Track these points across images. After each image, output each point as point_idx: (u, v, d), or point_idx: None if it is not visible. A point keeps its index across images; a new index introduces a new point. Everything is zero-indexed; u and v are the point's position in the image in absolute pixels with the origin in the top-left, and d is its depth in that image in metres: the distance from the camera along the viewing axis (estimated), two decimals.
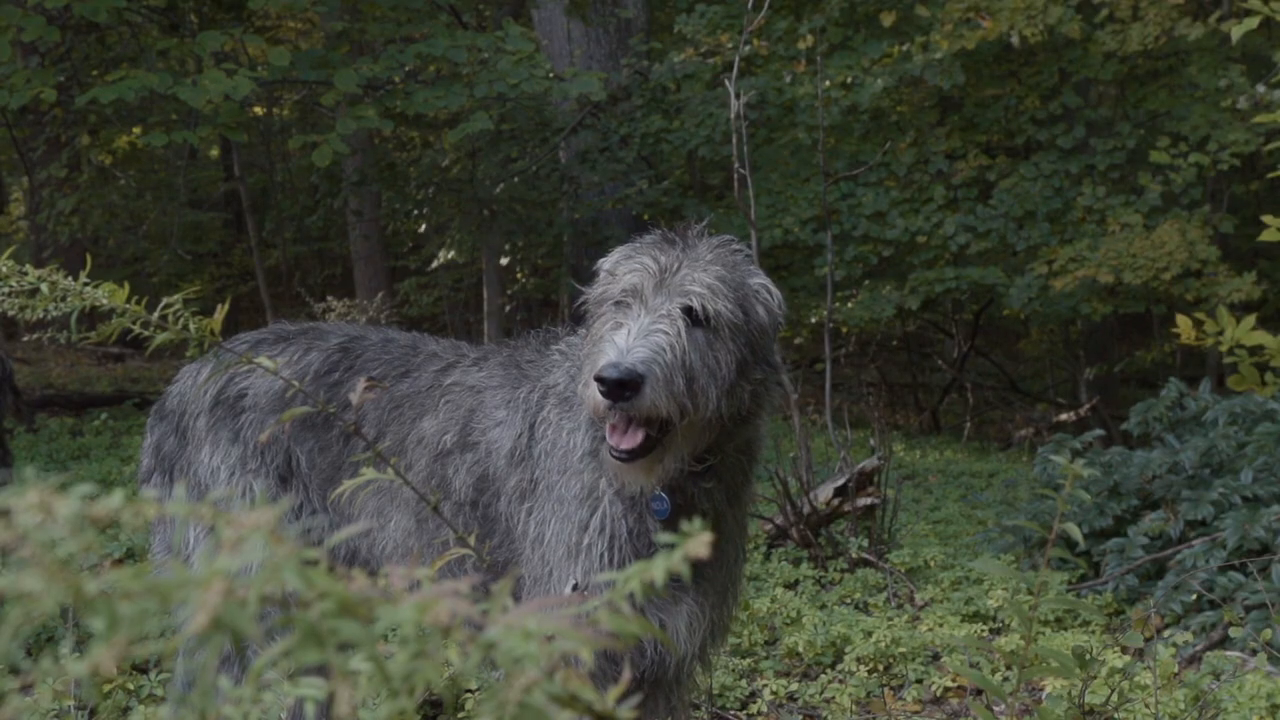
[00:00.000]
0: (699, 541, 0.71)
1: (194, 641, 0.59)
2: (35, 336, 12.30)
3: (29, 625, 0.57)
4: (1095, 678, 4.01)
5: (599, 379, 2.32)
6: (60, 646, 3.95)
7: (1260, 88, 9.84)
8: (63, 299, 2.01)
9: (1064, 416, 12.43)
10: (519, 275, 15.77)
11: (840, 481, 5.69)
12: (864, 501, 5.69)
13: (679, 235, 2.56)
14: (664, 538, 0.87)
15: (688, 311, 2.43)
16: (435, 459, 2.82)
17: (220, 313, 2.06)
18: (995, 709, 4.02)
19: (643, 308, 2.43)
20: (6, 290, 2.06)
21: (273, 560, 0.59)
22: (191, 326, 2.01)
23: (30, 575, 0.55)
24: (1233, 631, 4.50)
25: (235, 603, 0.57)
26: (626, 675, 0.88)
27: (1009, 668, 4.24)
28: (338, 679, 0.62)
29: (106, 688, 3.84)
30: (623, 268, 2.51)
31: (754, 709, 4.08)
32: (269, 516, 0.62)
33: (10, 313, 2.07)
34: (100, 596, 0.56)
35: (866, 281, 12.83)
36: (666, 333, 2.38)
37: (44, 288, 2.01)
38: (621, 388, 2.31)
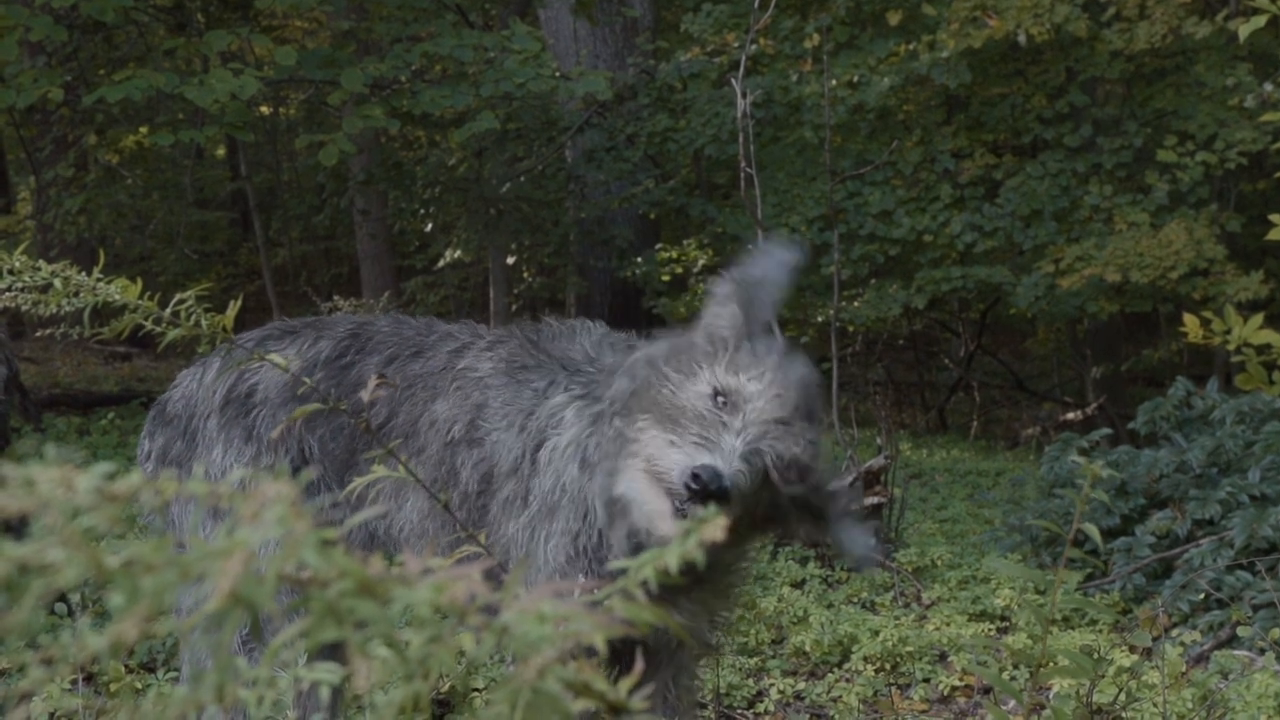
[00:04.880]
0: (714, 526, 0.71)
1: (211, 619, 0.59)
2: (43, 334, 12.33)
3: (49, 596, 0.58)
4: (1103, 677, 4.01)
5: (695, 475, 2.24)
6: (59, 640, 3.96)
7: (1268, 86, 9.83)
8: (75, 294, 2.02)
9: (1071, 415, 12.42)
10: (525, 274, 15.78)
11: (847, 480, 5.70)
12: (871, 500, 5.69)
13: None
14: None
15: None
16: (446, 446, 2.81)
17: (233, 309, 2.06)
18: (1005, 707, 4.02)
19: (733, 426, 2.35)
20: (20, 285, 2.06)
21: (292, 537, 0.59)
22: (203, 323, 2.02)
23: (52, 546, 0.56)
24: (1241, 630, 4.49)
25: (254, 578, 0.57)
26: (639, 666, 0.89)
27: (1016, 667, 4.24)
28: (355, 656, 0.62)
29: (114, 687, 3.85)
30: (760, 383, 2.40)
31: (761, 708, 4.08)
32: (289, 490, 0.63)
33: (24, 308, 2.08)
34: (121, 569, 0.56)
35: (873, 280, 12.83)
36: (750, 480, 2.33)
37: (57, 283, 2.02)
38: (710, 499, 2.24)
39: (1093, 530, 2.33)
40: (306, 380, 2.66)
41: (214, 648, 0.60)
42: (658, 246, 13.78)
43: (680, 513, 2.28)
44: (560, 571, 2.61)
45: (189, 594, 2.60)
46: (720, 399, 2.38)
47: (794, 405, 2.41)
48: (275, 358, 2.48)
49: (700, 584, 2.58)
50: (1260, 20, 5.77)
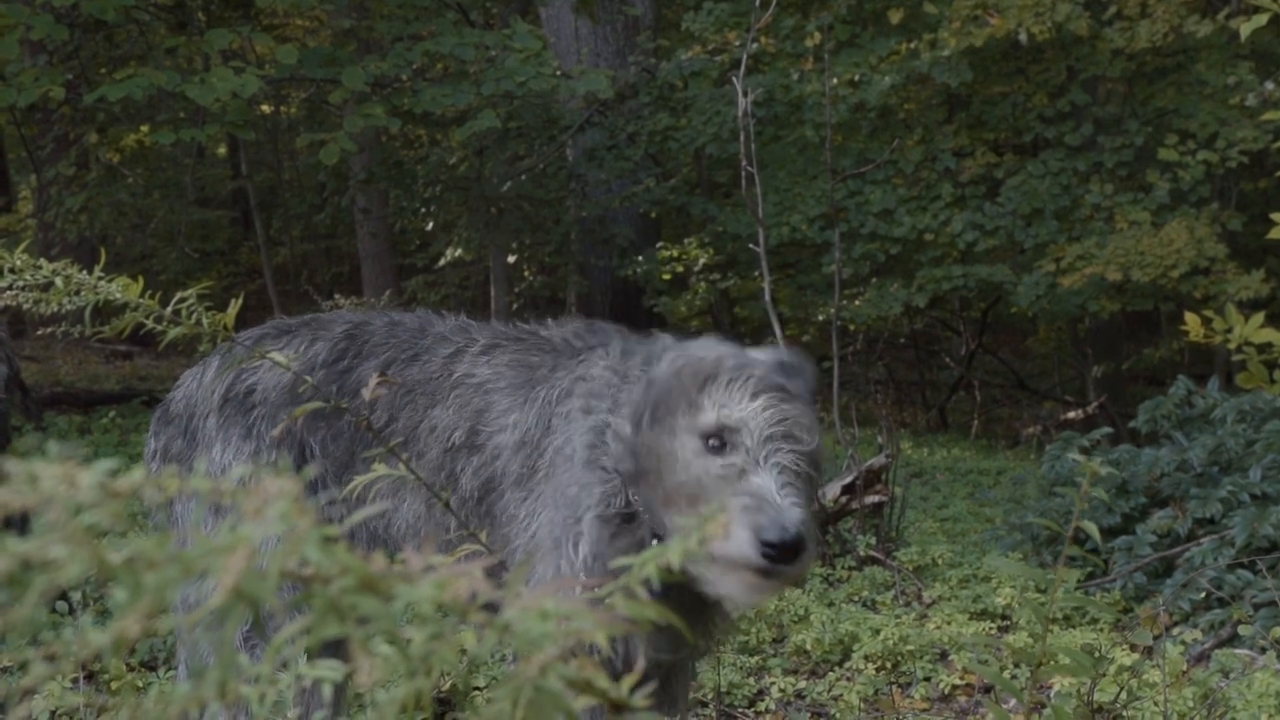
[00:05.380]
0: (716, 523, 0.71)
1: (214, 615, 0.59)
2: (44, 332, 12.36)
3: (52, 593, 0.58)
4: (1104, 675, 4.01)
5: (767, 543, 2.20)
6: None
7: (1269, 85, 9.82)
8: (76, 293, 2.02)
9: (1072, 414, 12.42)
10: (526, 273, 15.79)
11: (848, 479, 5.69)
12: (872, 499, 5.69)
13: (786, 376, 2.43)
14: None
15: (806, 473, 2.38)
16: (445, 452, 2.81)
17: (234, 308, 2.06)
18: (1006, 705, 4.02)
19: (748, 466, 2.31)
20: (21, 284, 2.06)
21: (295, 533, 0.59)
22: (204, 321, 2.02)
23: (55, 542, 0.56)
24: (1242, 629, 4.49)
25: (256, 574, 0.57)
26: (640, 664, 0.89)
27: (1017, 665, 4.24)
28: (358, 652, 0.62)
29: (115, 685, 3.85)
30: (737, 404, 2.35)
31: (762, 706, 4.08)
32: (292, 485, 0.63)
33: (25, 306, 2.08)
34: (124, 565, 0.56)
35: (874, 279, 12.83)
36: (802, 498, 2.30)
37: (58, 282, 2.02)
38: (792, 557, 2.22)
39: (1091, 528, 2.33)
40: (308, 379, 2.66)
41: (216, 644, 0.60)
42: (658, 245, 13.78)
43: (765, 573, 2.26)
44: (556, 542, 2.61)
45: (188, 590, 2.62)
46: (712, 441, 2.34)
47: (780, 394, 2.38)
48: (277, 356, 2.49)
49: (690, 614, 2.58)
50: (1261, 19, 5.77)
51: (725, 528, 2.27)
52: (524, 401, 2.76)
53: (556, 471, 2.65)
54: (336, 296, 14.40)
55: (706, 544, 2.26)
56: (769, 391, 2.37)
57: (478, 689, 3.89)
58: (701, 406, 2.35)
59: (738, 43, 12.55)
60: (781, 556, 2.20)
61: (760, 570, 2.22)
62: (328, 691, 2.87)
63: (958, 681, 4.28)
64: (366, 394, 2.42)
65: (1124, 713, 3.83)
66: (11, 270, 2.18)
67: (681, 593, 2.37)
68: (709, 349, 2.50)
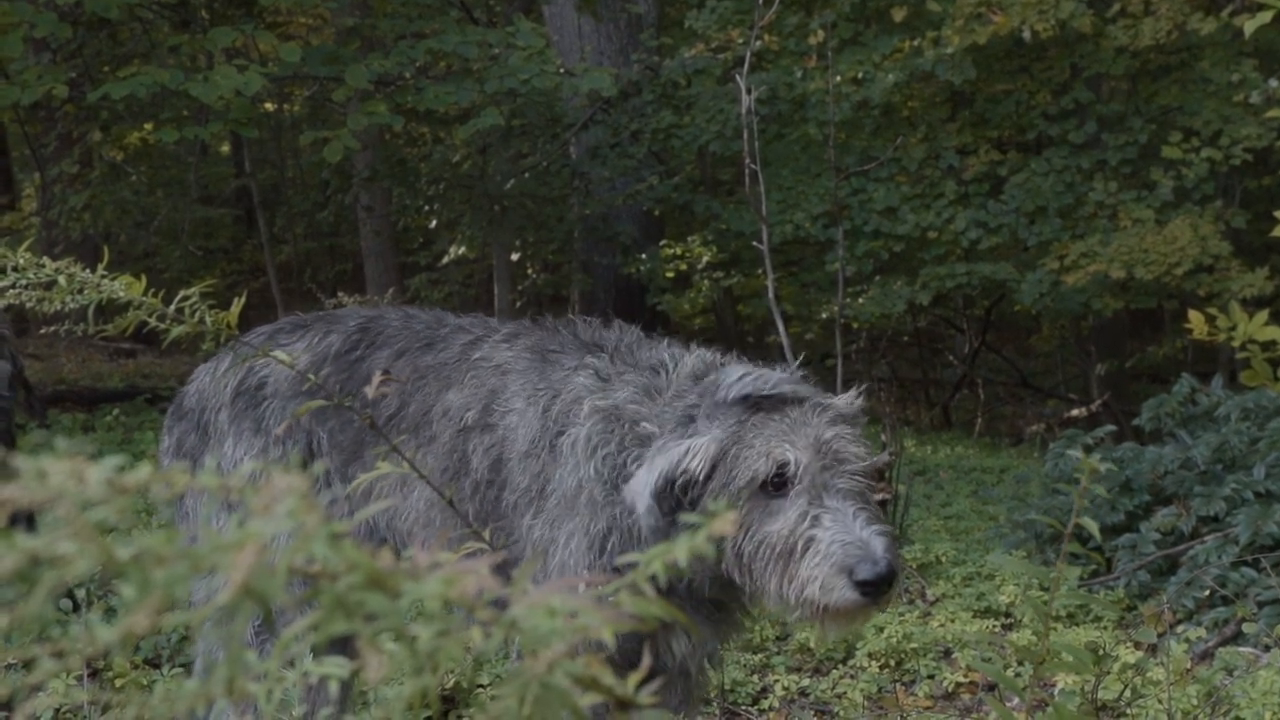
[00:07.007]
0: (723, 520, 0.71)
1: (223, 611, 0.59)
2: (48, 330, 12.36)
3: (60, 589, 0.58)
4: (1108, 673, 4.01)
5: (863, 582, 2.27)
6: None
7: (1272, 82, 9.81)
8: (79, 291, 2.02)
9: (1075, 412, 12.41)
10: (529, 271, 15.79)
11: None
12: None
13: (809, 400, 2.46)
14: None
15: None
16: (459, 433, 2.81)
17: (236, 306, 2.06)
18: (1009, 704, 4.02)
19: (826, 500, 2.35)
20: (24, 282, 2.07)
21: (303, 530, 0.59)
22: (207, 319, 2.02)
23: (63, 538, 0.56)
24: (1245, 627, 4.49)
25: (266, 571, 0.58)
26: (646, 661, 0.89)
27: (1021, 663, 4.24)
28: (365, 648, 0.62)
29: (120, 682, 3.86)
30: (776, 445, 2.38)
31: (765, 704, 4.08)
32: (300, 482, 0.63)
33: (28, 304, 2.08)
34: (132, 561, 0.56)
35: (877, 277, 12.82)
36: (876, 518, 2.36)
37: (61, 280, 2.02)
38: (889, 586, 2.30)
39: (1090, 524, 2.33)
40: (312, 377, 2.67)
41: (226, 640, 0.60)
42: (662, 243, 13.77)
43: (866, 607, 2.34)
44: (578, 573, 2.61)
45: (203, 587, 2.62)
46: (776, 479, 2.35)
47: (827, 419, 2.41)
48: (281, 354, 2.49)
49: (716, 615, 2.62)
50: (1265, 16, 5.76)
51: (818, 574, 2.31)
52: (535, 392, 2.75)
53: (574, 514, 2.64)
54: (340, 294, 14.39)
55: (804, 594, 2.31)
56: (807, 417, 2.41)
57: (481, 687, 3.89)
58: (749, 450, 2.39)
59: (741, 40, 12.54)
60: (878, 590, 2.27)
61: (861, 607, 2.27)
62: (334, 688, 2.87)
63: (961, 679, 4.27)
64: (370, 391, 2.42)
65: (1128, 710, 3.83)
66: (15, 268, 2.18)
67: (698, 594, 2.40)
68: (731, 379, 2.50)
